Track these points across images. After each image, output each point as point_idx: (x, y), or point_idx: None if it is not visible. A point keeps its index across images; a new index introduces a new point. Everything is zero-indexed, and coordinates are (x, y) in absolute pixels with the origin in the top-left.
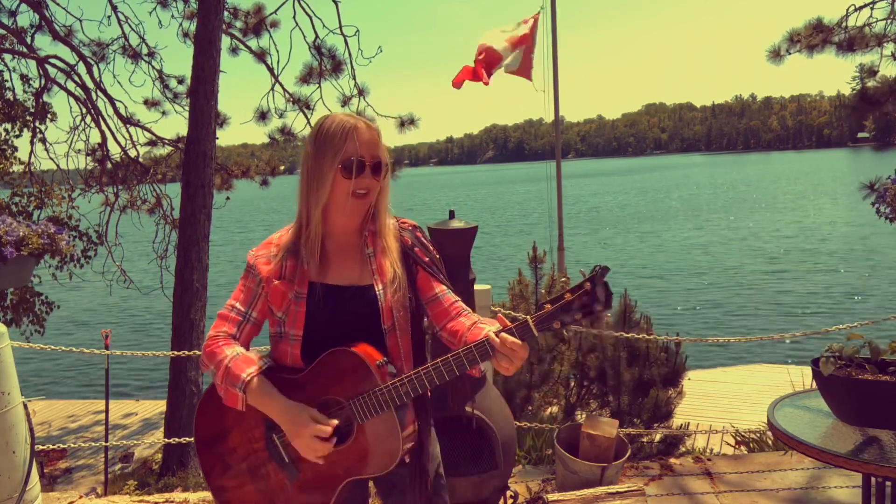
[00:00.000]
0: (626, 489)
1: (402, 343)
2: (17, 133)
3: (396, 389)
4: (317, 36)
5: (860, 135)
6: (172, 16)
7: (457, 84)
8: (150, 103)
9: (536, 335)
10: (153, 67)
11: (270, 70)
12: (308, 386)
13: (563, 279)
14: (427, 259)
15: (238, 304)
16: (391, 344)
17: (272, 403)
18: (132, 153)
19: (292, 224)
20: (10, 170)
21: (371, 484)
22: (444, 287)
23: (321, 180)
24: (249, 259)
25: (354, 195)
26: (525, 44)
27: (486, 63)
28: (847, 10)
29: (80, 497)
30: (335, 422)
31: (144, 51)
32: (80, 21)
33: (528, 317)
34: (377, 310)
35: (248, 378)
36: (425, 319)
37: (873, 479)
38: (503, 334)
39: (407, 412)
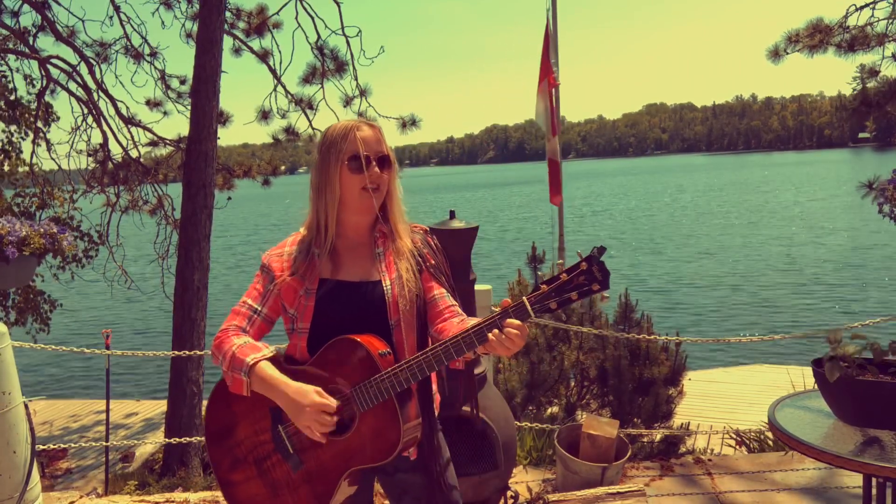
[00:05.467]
0: (627, 489)
1: (407, 338)
2: (23, 136)
3: (397, 376)
4: (319, 37)
5: (861, 135)
6: (175, 17)
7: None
8: (153, 103)
9: (533, 316)
10: (155, 68)
11: (273, 71)
12: (311, 375)
13: (559, 262)
14: (433, 262)
15: (250, 301)
16: (397, 339)
17: (276, 386)
18: (133, 153)
19: (303, 227)
20: (18, 170)
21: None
22: (443, 290)
23: (331, 183)
24: (264, 259)
25: (365, 190)
26: (544, 56)
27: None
28: (847, 10)
29: (81, 497)
30: (336, 402)
31: (147, 51)
32: (83, 21)
33: (524, 297)
34: (384, 304)
35: (252, 362)
36: None
37: (874, 480)
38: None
39: (411, 404)
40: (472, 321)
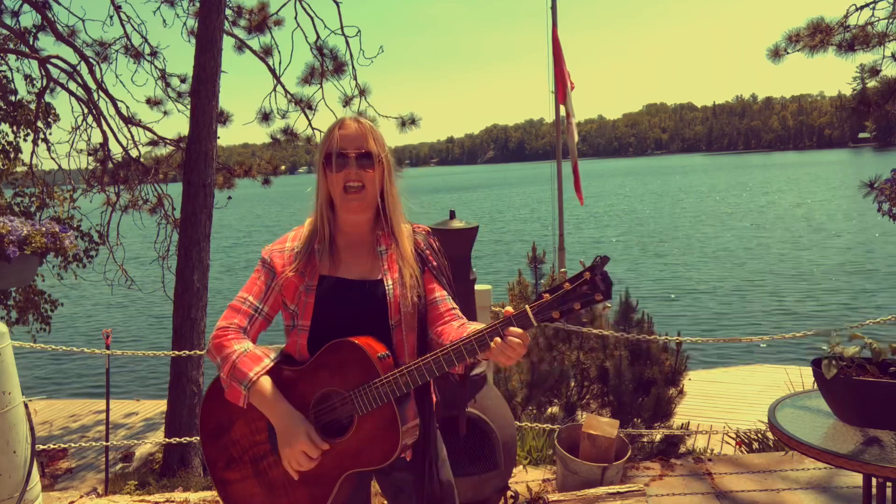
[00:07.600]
0: (627, 489)
1: (407, 340)
2: (23, 137)
3: (396, 381)
4: (318, 37)
5: (861, 135)
6: (177, 14)
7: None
8: (153, 102)
9: (536, 325)
10: (155, 67)
11: (272, 71)
12: (309, 377)
13: (563, 270)
14: (435, 263)
15: (251, 298)
16: (397, 340)
17: (274, 406)
18: (133, 153)
19: (307, 222)
20: (14, 170)
21: (377, 489)
22: (444, 293)
23: (321, 181)
24: (264, 254)
25: (346, 190)
26: (557, 59)
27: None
28: (847, 10)
29: (81, 497)
30: (326, 446)
31: (147, 50)
32: (83, 21)
33: (526, 306)
34: (385, 304)
35: (255, 377)
36: None
37: (874, 480)
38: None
39: (408, 406)
40: (473, 326)
